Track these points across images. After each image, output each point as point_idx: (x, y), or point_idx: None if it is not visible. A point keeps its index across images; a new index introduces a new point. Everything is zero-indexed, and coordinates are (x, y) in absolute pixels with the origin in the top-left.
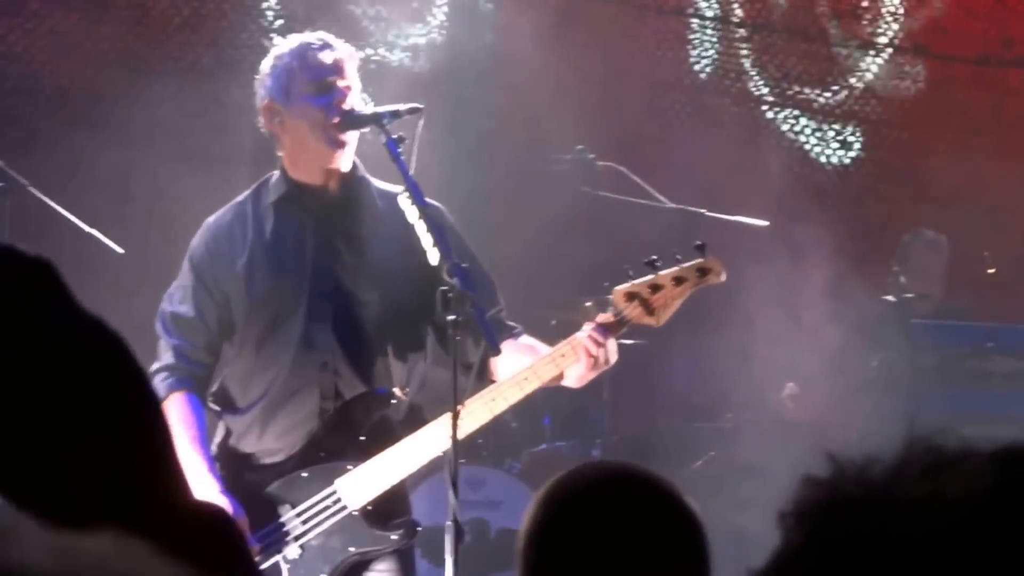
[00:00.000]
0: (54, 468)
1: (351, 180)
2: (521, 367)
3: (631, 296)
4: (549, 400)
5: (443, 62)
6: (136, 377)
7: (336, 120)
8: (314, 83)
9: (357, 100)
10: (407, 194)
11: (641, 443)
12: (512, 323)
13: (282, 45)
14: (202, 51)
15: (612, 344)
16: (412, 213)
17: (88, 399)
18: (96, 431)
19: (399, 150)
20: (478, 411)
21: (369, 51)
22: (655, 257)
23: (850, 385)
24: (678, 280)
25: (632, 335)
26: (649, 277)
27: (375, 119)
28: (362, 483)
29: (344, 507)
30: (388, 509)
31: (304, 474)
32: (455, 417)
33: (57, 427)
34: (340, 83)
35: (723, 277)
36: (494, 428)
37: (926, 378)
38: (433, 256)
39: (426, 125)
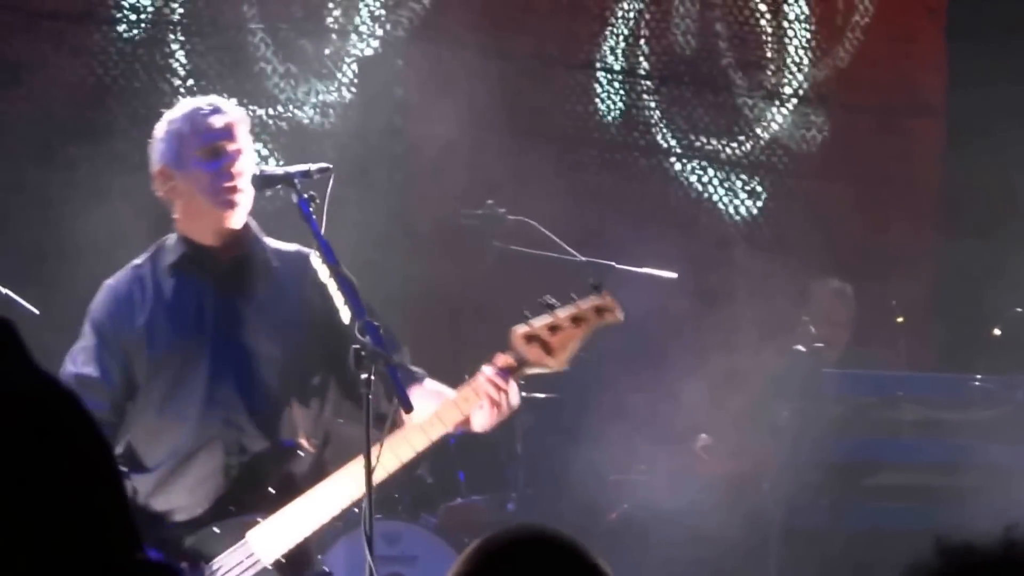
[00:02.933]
0: (10, 525)
1: (246, 239)
2: (426, 415)
3: (530, 338)
4: (464, 455)
5: (353, 119)
6: (90, 428)
7: (226, 184)
8: (205, 148)
9: (249, 163)
10: (318, 253)
11: (556, 496)
12: (416, 368)
13: (174, 110)
14: (116, 111)
15: (514, 387)
16: (323, 272)
17: (44, 452)
18: (53, 484)
19: (310, 209)
20: (385, 458)
21: (280, 109)
22: (550, 297)
23: (761, 435)
24: (576, 320)
25: (544, 387)
26: (547, 319)
27: (286, 179)
28: (274, 535)
29: (257, 561)
30: (301, 560)
31: (216, 529)
32: (368, 475)
33: (12, 481)
34: (230, 147)
35: (620, 316)
36: (409, 483)
37: (837, 427)
38: (345, 315)
39: (337, 181)
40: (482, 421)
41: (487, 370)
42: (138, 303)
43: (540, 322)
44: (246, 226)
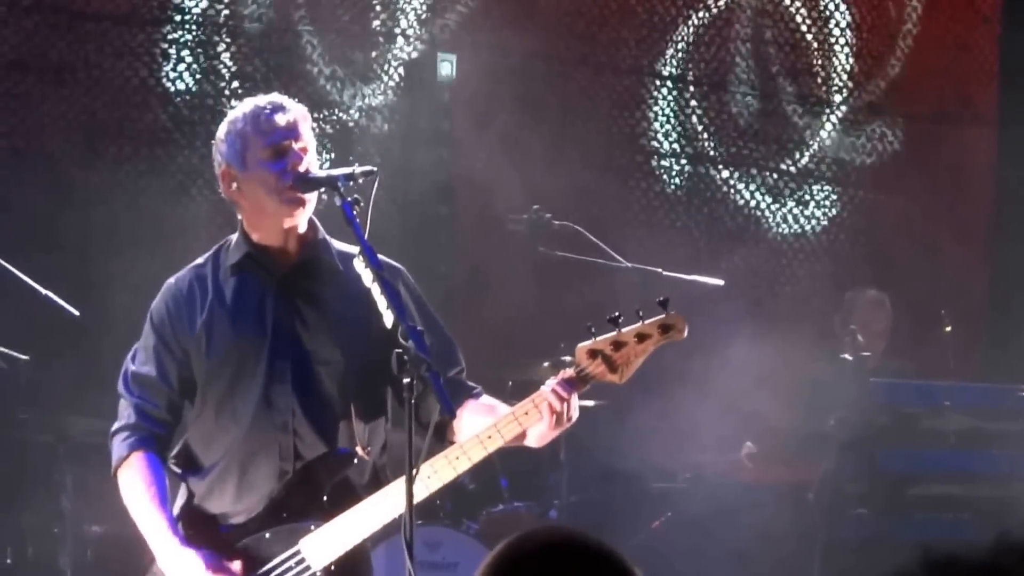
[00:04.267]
0: None
1: (311, 241)
2: (482, 427)
3: (594, 353)
4: (506, 462)
5: (398, 122)
6: None
7: (291, 183)
8: (269, 148)
9: (313, 162)
10: (362, 257)
11: (598, 504)
12: (472, 384)
13: (236, 110)
14: (159, 113)
15: (575, 400)
16: (367, 276)
17: None
18: None
19: (354, 212)
20: (442, 470)
21: (326, 112)
22: (617, 314)
23: (807, 444)
24: (641, 337)
25: (588, 395)
26: (612, 334)
27: (330, 182)
28: (326, 543)
29: (308, 567)
30: (351, 570)
31: (267, 535)
32: (410, 479)
33: None
34: (295, 146)
35: (685, 334)
36: (452, 489)
37: (883, 436)
38: (388, 318)
39: (381, 184)
40: (540, 434)
41: (551, 382)
42: (198, 303)
43: (604, 338)
44: (311, 228)
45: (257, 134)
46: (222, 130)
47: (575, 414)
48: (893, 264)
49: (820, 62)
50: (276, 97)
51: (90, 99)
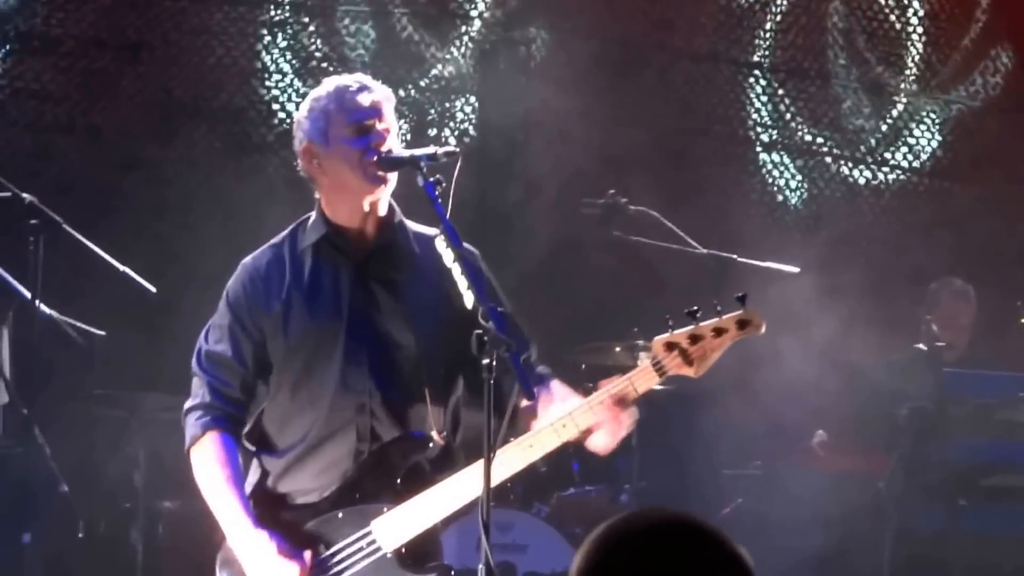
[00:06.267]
0: None
1: (388, 224)
2: (553, 414)
3: (670, 346)
4: (578, 445)
5: (473, 104)
6: None
7: (375, 160)
8: (352, 126)
9: (395, 142)
10: (443, 237)
11: (669, 489)
12: (544, 369)
13: (320, 88)
14: (234, 91)
15: (628, 413)
16: (448, 256)
17: None
18: None
19: (436, 193)
20: (514, 457)
21: (401, 93)
22: (695, 308)
23: (880, 433)
24: (718, 332)
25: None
26: (689, 328)
27: (412, 162)
28: (397, 526)
29: (378, 548)
30: (422, 552)
31: (340, 515)
32: (488, 460)
33: None
34: (378, 125)
35: (763, 330)
36: (523, 472)
37: (956, 427)
38: (468, 299)
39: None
40: (603, 444)
41: (602, 394)
42: (275, 283)
43: (682, 331)
44: (390, 211)
45: (341, 111)
46: (305, 107)
47: (629, 422)
48: (971, 254)
49: (897, 50)
50: (361, 77)
51: (166, 77)
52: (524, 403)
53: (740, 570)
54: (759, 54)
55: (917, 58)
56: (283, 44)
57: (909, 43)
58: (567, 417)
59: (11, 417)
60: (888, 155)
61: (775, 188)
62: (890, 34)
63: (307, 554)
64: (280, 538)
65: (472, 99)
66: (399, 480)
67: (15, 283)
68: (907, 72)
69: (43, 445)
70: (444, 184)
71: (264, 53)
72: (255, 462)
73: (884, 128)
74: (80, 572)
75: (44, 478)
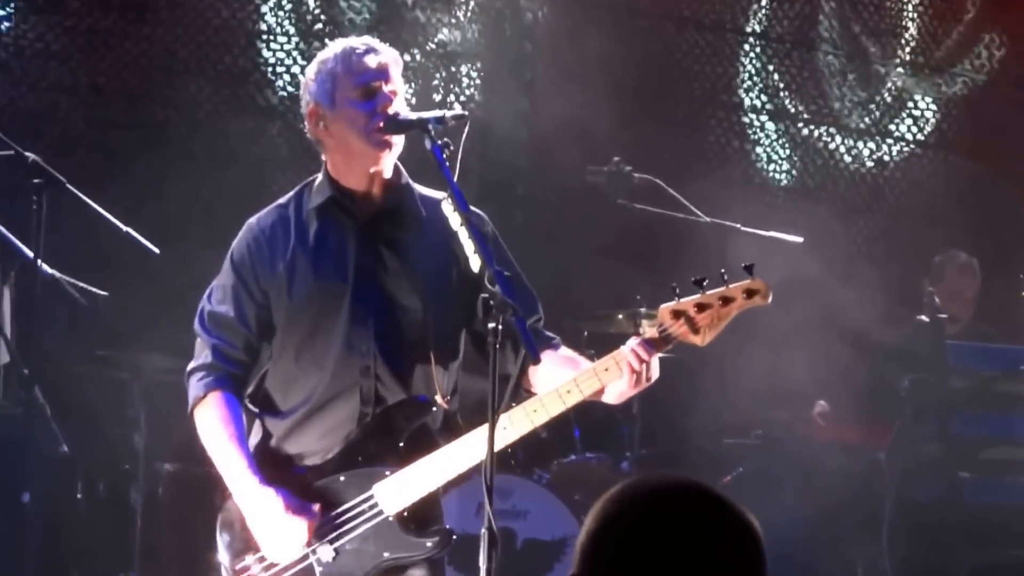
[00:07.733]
0: None
1: (395, 186)
2: (560, 378)
3: (677, 314)
4: (579, 412)
5: (480, 71)
6: None
7: (381, 124)
8: (359, 88)
9: (402, 105)
10: (451, 200)
11: (670, 457)
12: (551, 334)
13: (327, 50)
14: (239, 53)
15: (655, 361)
16: (455, 220)
17: None
18: None
19: (444, 156)
20: (519, 421)
21: (407, 58)
22: (702, 276)
23: (881, 405)
24: (724, 300)
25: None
26: (696, 296)
27: (421, 124)
28: (399, 489)
29: (380, 512)
30: (423, 516)
31: (342, 478)
32: (492, 425)
33: None
34: (385, 88)
35: (769, 299)
36: (524, 438)
37: (958, 399)
38: (475, 263)
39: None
40: (619, 392)
41: (632, 342)
42: (280, 244)
43: (689, 299)
44: (396, 173)
45: (348, 74)
46: (312, 69)
47: (655, 374)
48: (970, 227)
49: (903, 22)
50: (368, 39)
51: (171, 38)
52: (530, 367)
53: (751, 537)
54: (755, 23)
55: (915, 32)
56: (288, 7)
57: (905, 16)
58: (571, 383)
59: (12, 377)
60: (893, 127)
61: (780, 157)
62: (890, 11)
63: (315, 507)
64: (288, 495)
65: (478, 64)
66: (402, 444)
67: (17, 242)
68: (905, 46)
69: (44, 405)
70: (452, 148)
71: (269, 15)
72: (258, 424)
73: (889, 99)
74: (79, 532)
75: (44, 438)
